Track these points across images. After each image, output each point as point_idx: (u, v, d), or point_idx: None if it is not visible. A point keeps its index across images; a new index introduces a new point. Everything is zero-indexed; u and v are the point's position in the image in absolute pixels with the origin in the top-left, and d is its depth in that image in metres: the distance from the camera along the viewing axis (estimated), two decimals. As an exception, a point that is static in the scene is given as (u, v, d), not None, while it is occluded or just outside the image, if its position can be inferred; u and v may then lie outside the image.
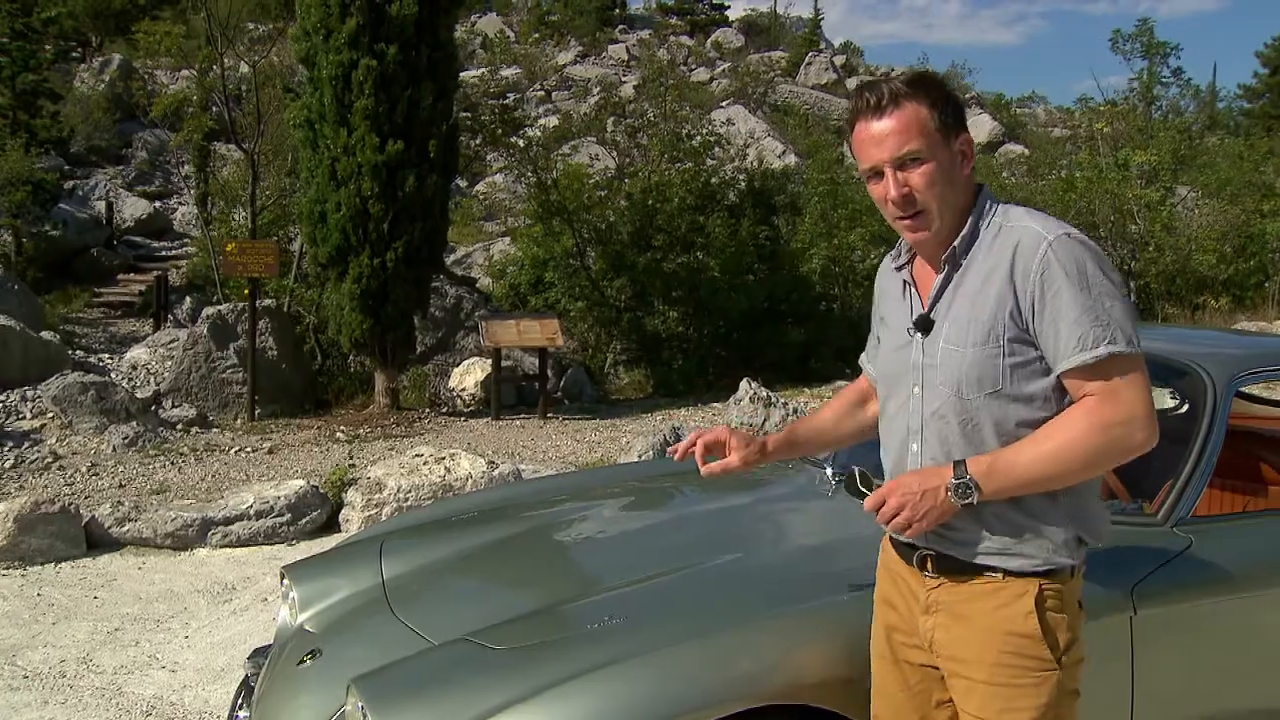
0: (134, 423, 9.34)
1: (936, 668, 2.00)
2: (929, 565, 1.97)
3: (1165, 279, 18.80)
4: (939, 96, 1.89)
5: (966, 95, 34.79)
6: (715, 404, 11.65)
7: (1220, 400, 2.83)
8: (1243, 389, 3.55)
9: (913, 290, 2.02)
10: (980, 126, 32.70)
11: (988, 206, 1.94)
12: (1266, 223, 19.66)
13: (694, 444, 2.26)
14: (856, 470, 1.97)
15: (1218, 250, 18.96)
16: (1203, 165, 21.97)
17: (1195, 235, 19.12)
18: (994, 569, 1.91)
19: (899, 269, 2.07)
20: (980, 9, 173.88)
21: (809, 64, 41.95)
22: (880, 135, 1.88)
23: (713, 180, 16.25)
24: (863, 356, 2.32)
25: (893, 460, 2.05)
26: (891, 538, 2.08)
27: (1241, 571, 2.65)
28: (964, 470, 1.84)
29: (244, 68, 14.54)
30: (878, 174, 1.91)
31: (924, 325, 1.96)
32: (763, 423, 8.87)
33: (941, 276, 1.95)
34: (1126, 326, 1.81)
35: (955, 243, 1.92)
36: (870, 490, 1.94)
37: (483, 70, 19.38)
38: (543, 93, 35.81)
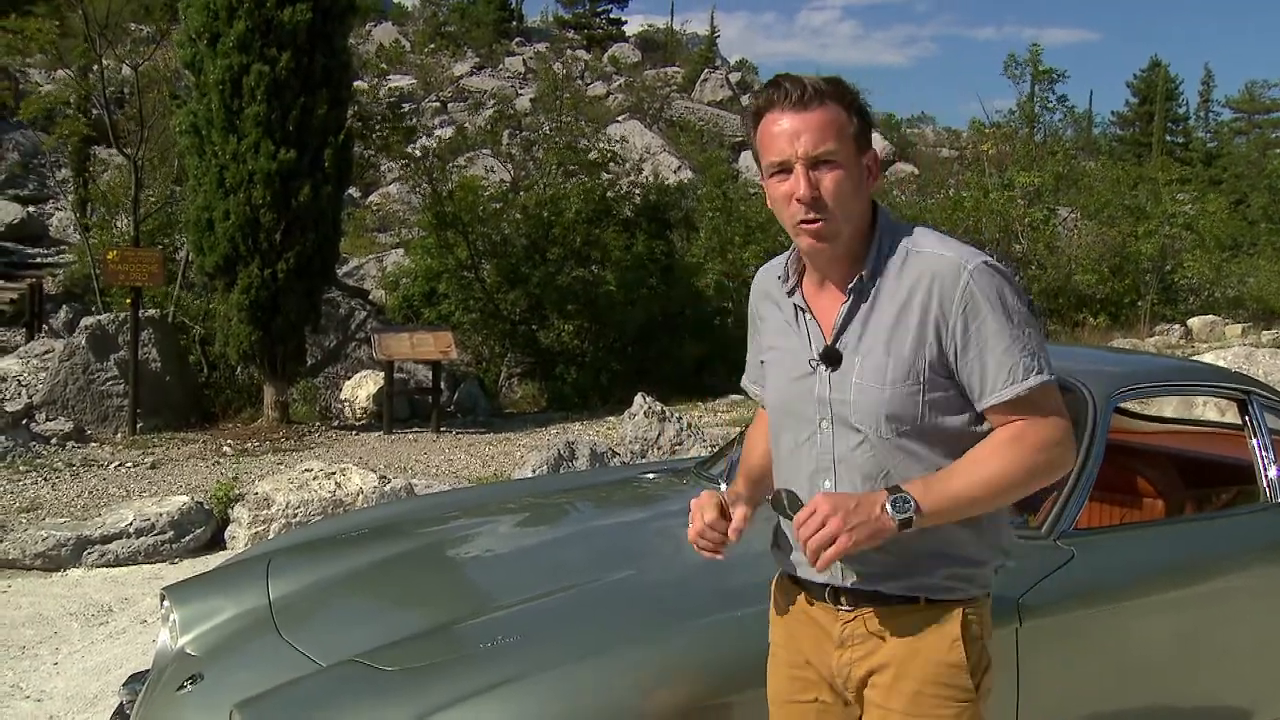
0: (2, 437, 8.94)
1: (848, 703, 1.92)
2: (842, 599, 1.87)
3: (1048, 296, 19.58)
4: (857, 105, 1.80)
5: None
6: (610, 418, 11.66)
7: (1100, 416, 2.93)
8: (1120, 405, 3.68)
9: (808, 318, 1.88)
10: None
11: (890, 229, 1.84)
12: (1140, 243, 20.58)
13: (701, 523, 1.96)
14: (784, 491, 1.82)
15: (1097, 270, 19.84)
16: (1083, 188, 22.91)
17: (1075, 255, 19.99)
18: (915, 598, 1.83)
19: (790, 293, 1.91)
20: (873, 30, 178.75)
21: (705, 80, 42.54)
22: (796, 130, 1.74)
23: (608, 194, 16.32)
24: (746, 379, 2.14)
25: (804, 497, 1.86)
26: (792, 577, 1.97)
27: (1121, 581, 2.75)
28: (900, 489, 1.72)
29: (126, 70, 14.06)
30: (785, 170, 1.76)
31: (832, 359, 1.83)
32: (657, 437, 8.88)
33: (847, 305, 1.83)
34: (1045, 352, 1.77)
35: (863, 270, 1.81)
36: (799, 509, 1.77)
37: (375, 79, 19.13)
38: (438, 104, 35.55)
